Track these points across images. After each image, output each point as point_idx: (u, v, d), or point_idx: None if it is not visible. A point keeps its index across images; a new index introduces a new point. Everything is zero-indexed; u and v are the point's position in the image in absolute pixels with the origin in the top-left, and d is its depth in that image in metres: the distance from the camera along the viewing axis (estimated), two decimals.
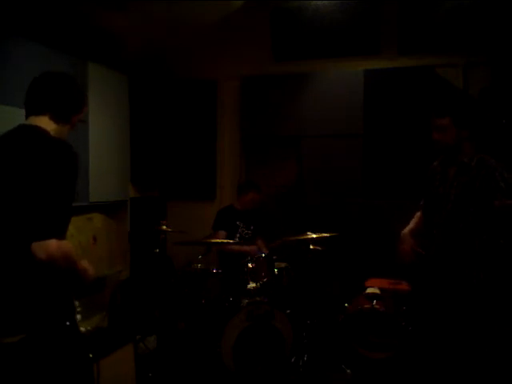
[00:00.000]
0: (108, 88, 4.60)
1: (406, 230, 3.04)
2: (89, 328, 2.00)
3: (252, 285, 3.82)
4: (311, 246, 3.97)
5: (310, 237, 3.85)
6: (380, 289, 3.84)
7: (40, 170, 1.83)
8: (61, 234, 1.82)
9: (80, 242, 4.35)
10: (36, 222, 1.78)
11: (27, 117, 2.02)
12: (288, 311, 3.81)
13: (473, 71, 4.61)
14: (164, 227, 4.20)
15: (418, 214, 3.13)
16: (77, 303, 2.04)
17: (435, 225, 2.84)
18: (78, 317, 2.03)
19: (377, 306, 3.57)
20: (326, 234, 3.89)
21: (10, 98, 3.10)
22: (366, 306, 3.61)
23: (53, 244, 1.75)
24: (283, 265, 4.17)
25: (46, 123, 1.98)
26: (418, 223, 3.08)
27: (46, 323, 1.84)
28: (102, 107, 4.48)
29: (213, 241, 4.15)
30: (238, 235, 4.54)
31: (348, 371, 3.61)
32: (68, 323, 1.90)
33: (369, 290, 3.83)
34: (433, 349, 2.86)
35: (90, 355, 2.66)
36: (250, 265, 3.89)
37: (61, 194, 1.85)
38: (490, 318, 2.70)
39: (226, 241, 4.24)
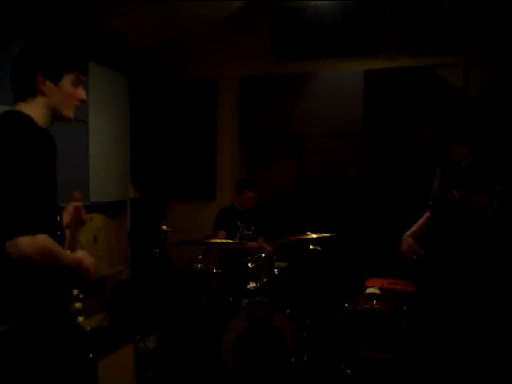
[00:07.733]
0: (108, 88, 4.60)
1: (408, 232, 3.06)
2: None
3: (252, 285, 3.82)
4: (311, 246, 3.97)
5: (309, 237, 3.85)
6: (380, 289, 3.85)
7: (4, 158, 1.64)
8: (37, 230, 1.62)
9: (80, 242, 4.34)
10: (5, 219, 1.60)
11: None
12: (288, 311, 3.81)
13: (473, 71, 4.62)
14: (164, 227, 4.20)
15: (427, 214, 3.13)
16: (76, 291, 1.86)
17: (434, 227, 2.87)
18: (78, 305, 1.91)
19: (377, 306, 3.57)
20: (325, 234, 3.89)
21: (10, 97, 3.09)
22: (366, 306, 3.61)
23: (23, 242, 1.58)
24: (283, 265, 4.17)
25: (21, 106, 1.85)
26: (422, 225, 3.08)
27: (34, 313, 1.73)
28: (102, 107, 4.48)
29: (213, 241, 4.14)
30: (238, 235, 4.54)
31: (348, 371, 3.61)
32: (55, 316, 1.77)
33: (369, 290, 3.83)
34: (433, 348, 2.86)
35: (90, 355, 2.66)
36: (249, 265, 3.89)
37: (31, 186, 1.64)
38: (490, 317, 2.70)
39: (226, 241, 4.23)
